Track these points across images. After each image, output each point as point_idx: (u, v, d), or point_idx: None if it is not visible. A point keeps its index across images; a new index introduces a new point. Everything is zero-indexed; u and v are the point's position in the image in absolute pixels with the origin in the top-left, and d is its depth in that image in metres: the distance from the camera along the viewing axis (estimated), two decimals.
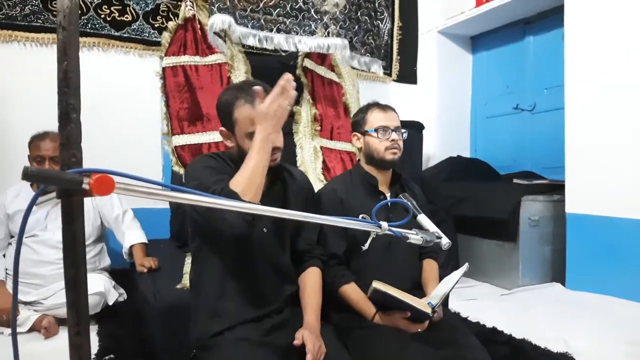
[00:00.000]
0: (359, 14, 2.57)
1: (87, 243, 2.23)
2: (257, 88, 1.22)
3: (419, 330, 1.40)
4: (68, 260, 0.67)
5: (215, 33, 2.18)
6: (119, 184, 0.66)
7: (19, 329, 1.95)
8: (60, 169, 0.65)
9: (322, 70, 2.76)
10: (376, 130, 1.59)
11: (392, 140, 1.58)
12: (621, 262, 2.57)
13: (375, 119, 1.62)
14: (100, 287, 2.07)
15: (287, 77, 1.19)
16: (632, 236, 2.52)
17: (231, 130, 1.34)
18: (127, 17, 2.96)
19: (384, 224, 1.07)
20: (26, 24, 2.72)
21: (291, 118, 2.57)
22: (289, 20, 2.30)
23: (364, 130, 1.63)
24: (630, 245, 2.53)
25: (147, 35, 3.01)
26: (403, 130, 1.63)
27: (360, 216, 1.11)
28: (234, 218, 1.18)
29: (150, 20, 3.02)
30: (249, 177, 1.19)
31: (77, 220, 0.66)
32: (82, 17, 2.84)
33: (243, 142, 1.32)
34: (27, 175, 0.63)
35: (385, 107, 1.65)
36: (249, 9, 2.20)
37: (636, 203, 2.51)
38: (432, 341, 1.35)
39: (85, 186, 0.63)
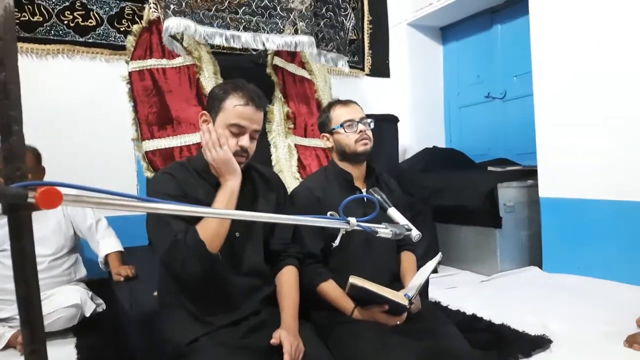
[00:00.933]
0: (324, 10, 2.56)
1: (60, 254, 2.19)
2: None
3: (398, 322, 1.40)
4: (18, 278, 0.65)
5: (171, 36, 2.14)
6: (67, 195, 0.65)
7: None
8: (4, 184, 0.63)
9: (292, 68, 2.75)
10: (342, 125, 1.60)
11: (360, 131, 1.59)
12: (595, 242, 2.63)
13: (339, 114, 1.62)
14: (77, 299, 2.03)
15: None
16: (604, 216, 2.58)
17: (213, 116, 1.34)
18: (91, 22, 2.90)
19: (353, 220, 1.06)
20: None
21: (264, 117, 2.55)
22: (255, 18, 2.28)
23: (331, 129, 1.63)
24: (603, 225, 2.59)
25: (112, 39, 2.95)
26: (369, 120, 1.64)
27: (329, 213, 1.11)
28: (194, 267, 1.23)
29: (115, 24, 2.96)
30: (216, 229, 1.23)
31: (25, 236, 0.64)
32: (45, 24, 2.77)
33: (220, 133, 1.31)
34: None
35: (346, 102, 1.66)
36: (213, 8, 2.17)
37: (606, 184, 2.57)
38: (412, 333, 1.36)
39: (31, 200, 0.61)
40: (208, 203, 1.27)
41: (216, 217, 1.19)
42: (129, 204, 0.73)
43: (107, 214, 2.34)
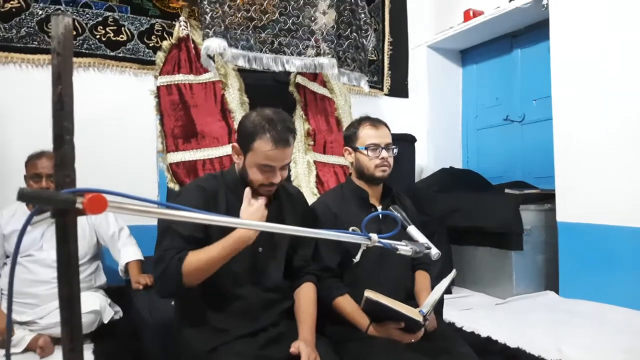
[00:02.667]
0: (348, 31, 2.63)
1: (83, 261, 2.24)
2: (247, 190, 1.33)
3: (413, 340, 1.41)
4: (62, 279, 0.69)
5: (208, 55, 2.23)
6: (111, 202, 0.69)
7: (13, 350, 1.94)
8: (55, 189, 0.68)
9: (314, 86, 2.81)
10: (367, 148, 1.60)
11: (382, 158, 1.59)
12: (613, 269, 2.60)
13: (366, 135, 1.62)
14: (96, 305, 2.07)
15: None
16: (623, 243, 2.55)
17: (244, 153, 1.36)
18: (122, 37, 3.01)
19: (374, 236, 1.09)
20: (22, 45, 2.76)
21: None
22: (279, 39, 2.35)
23: (355, 147, 1.64)
24: (621, 252, 2.56)
25: (142, 54, 3.05)
26: (394, 147, 1.64)
27: (351, 228, 1.14)
28: (164, 289, 1.30)
29: (145, 39, 3.07)
30: (203, 266, 1.26)
31: (71, 239, 0.69)
32: (78, 38, 2.89)
33: (249, 169, 1.35)
34: (22, 196, 0.66)
35: (376, 123, 1.65)
36: (239, 30, 2.25)
37: (626, 210, 2.54)
38: (426, 351, 1.37)
39: (79, 205, 0.66)
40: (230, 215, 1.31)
41: (241, 227, 1.22)
42: (167, 212, 0.77)
43: (129, 223, 2.40)
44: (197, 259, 1.25)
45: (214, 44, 2.15)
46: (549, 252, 3.00)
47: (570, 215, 2.82)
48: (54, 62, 0.70)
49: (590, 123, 2.73)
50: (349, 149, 1.68)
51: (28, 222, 0.70)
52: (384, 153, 1.60)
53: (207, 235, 1.31)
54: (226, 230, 1.30)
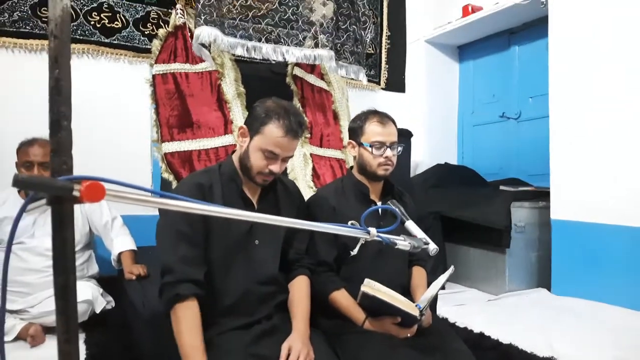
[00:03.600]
0: (347, 23, 2.61)
1: (75, 250, 2.21)
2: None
3: (408, 335, 1.41)
4: (58, 267, 0.67)
5: (200, 43, 2.20)
6: (109, 191, 0.67)
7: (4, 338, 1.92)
8: (51, 176, 0.66)
9: (311, 79, 2.79)
10: (372, 145, 1.56)
11: (386, 157, 1.56)
12: (605, 267, 2.62)
13: (372, 132, 1.58)
14: (88, 294, 2.05)
15: None
16: (616, 242, 2.57)
17: (251, 135, 1.35)
18: (117, 24, 2.96)
19: (373, 230, 1.08)
20: (15, 30, 2.71)
21: None
22: (278, 30, 2.33)
23: (360, 141, 1.60)
24: (614, 250, 2.58)
25: (137, 42, 3.01)
26: (399, 146, 1.60)
27: (350, 222, 1.13)
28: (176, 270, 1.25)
29: (141, 27, 3.02)
30: (175, 334, 1.24)
31: (67, 227, 0.67)
32: (72, 24, 2.84)
33: (254, 152, 1.34)
34: (17, 182, 0.64)
35: (384, 120, 1.60)
36: (238, 19, 2.22)
37: (619, 210, 2.56)
38: (422, 347, 1.37)
39: (76, 193, 0.64)
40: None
41: (241, 218, 1.21)
42: (165, 202, 0.75)
43: (122, 213, 2.37)
44: (175, 322, 1.24)
45: (205, 33, 2.11)
46: (542, 250, 3.02)
47: (564, 213, 2.83)
48: (50, 46, 0.68)
49: (586, 122, 2.74)
50: (353, 142, 1.64)
51: (23, 209, 0.68)
52: (389, 152, 1.56)
53: (206, 234, 1.31)
54: (225, 228, 1.31)
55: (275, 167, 1.34)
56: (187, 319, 1.23)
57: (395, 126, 1.63)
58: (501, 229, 2.85)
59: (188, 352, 1.20)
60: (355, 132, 1.63)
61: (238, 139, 1.40)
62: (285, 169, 2.46)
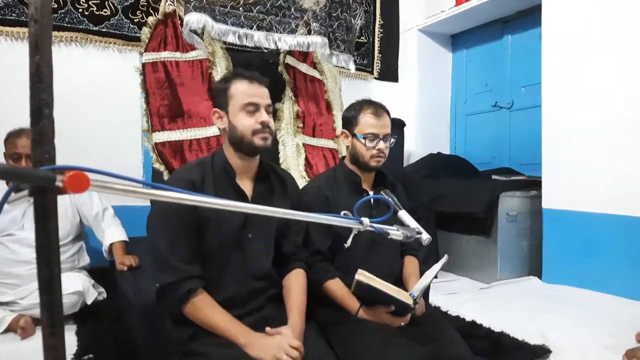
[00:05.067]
0: (339, 11, 2.58)
1: (65, 241, 2.19)
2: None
3: (402, 324, 1.41)
4: (42, 260, 0.66)
5: (191, 30, 2.16)
6: (94, 181, 0.65)
7: None
8: (33, 166, 0.64)
9: (304, 68, 2.76)
10: (365, 137, 1.55)
11: (379, 149, 1.56)
12: (596, 256, 2.64)
13: (366, 123, 1.57)
14: (79, 286, 2.04)
15: None
16: (607, 231, 2.59)
17: (225, 108, 1.36)
18: (105, 12, 2.91)
19: (366, 220, 1.07)
20: (0, 17, 2.65)
21: (273, 115, 2.56)
22: (270, 17, 2.29)
23: (353, 132, 1.59)
24: (605, 239, 2.60)
25: (126, 30, 2.95)
26: (392, 138, 1.60)
27: (343, 213, 1.12)
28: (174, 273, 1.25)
29: (130, 15, 2.97)
30: (200, 321, 1.25)
31: (50, 218, 0.65)
32: (59, 11, 2.78)
33: (235, 118, 1.34)
34: None
35: (378, 111, 1.59)
36: (229, 6, 2.18)
37: (610, 199, 2.58)
38: (415, 336, 1.37)
39: (59, 184, 0.62)
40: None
41: (231, 209, 1.19)
42: (153, 192, 0.74)
43: (113, 203, 2.35)
44: (198, 312, 1.25)
45: (194, 19, 2.08)
46: (533, 238, 3.04)
47: (556, 202, 2.85)
48: (31, 30, 0.66)
49: (578, 111, 2.74)
50: (347, 132, 1.63)
51: (5, 199, 0.66)
52: (381, 144, 1.56)
53: (201, 229, 1.30)
54: (219, 221, 1.29)
55: (264, 117, 1.34)
56: (208, 303, 1.26)
57: (390, 117, 1.62)
58: (488, 218, 2.86)
59: (226, 326, 1.23)
60: (349, 122, 1.62)
61: (218, 124, 1.39)
62: (278, 158, 2.47)
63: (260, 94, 1.36)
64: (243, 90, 1.34)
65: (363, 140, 1.56)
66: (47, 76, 0.65)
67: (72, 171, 0.63)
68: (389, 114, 1.62)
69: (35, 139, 0.65)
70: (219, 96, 1.38)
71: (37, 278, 0.67)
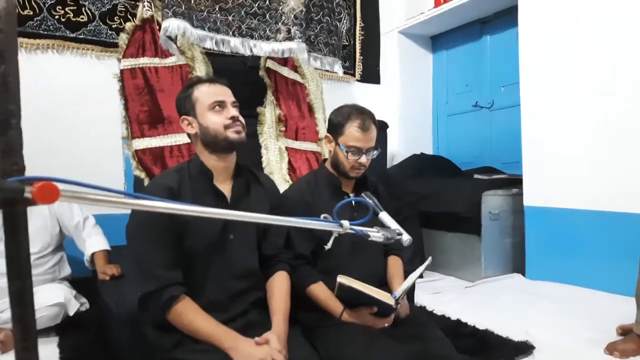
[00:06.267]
0: (320, 14, 2.58)
1: (46, 252, 2.15)
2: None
3: (386, 325, 1.42)
4: (13, 272, 0.64)
5: (167, 36, 2.15)
6: (64, 191, 0.64)
7: None
8: (1, 178, 0.63)
9: (285, 71, 2.76)
10: (348, 150, 1.54)
11: (360, 162, 1.55)
12: (578, 251, 2.69)
13: (351, 136, 1.54)
14: (60, 297, 2.00)
15: None
16: (587, 226, 2.64)
17: (193, 114, 1.36)
18: (82, 18, 2.87)
19: (345, 223, 1.07)
20: None
21: (255, 119, 2.56)
22: (246, 22, 2.28)
23: (337, 141, 1.58)
24: (586, 235, 2.65)
25: (104, 36, 2.92)
26: (374, 152, 1.58)
27: (322, 216, 1.12)
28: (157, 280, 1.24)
29: (108, 21, 2.94)
30: (184, 327, 1.24)
31: (21, 230, 0.64)
32: (35, 18, 2.74)
33: (205, 119, 1.34)
34: None
35: (365, 124, 1.55)
36: (206, 11, 2.17)
37: (590, 195, 2.62)
38: (399, 336, 1.37)
39: (28, 195, 0.61)
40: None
41: (212, 217, 1.19)
42: (127, 201, 0.73)
43: (94, 212, 2.31)
44: (181, 318, 1.24)
45: (173, 25, 2.07)
46: (516, 236, 3.08)
47: (537, 199, 2.89)
48: None
49: (556, 110, 2.79)
50: (330, 137, 1.62)
51: None
52: (363, 158, 1.55)
53: (181, 234, 1.29)
54: (199, 225, 1.28)
55: (232, 111, 1.36)
56: (191, 308, 1.25)
57: (376, 127, 1.60)
58: (471, 217, 2.90)
59: (210, 331, 1.22)
60: (335, 128, 1.59)
61: (188, 130, 1.40)
62: (261, 162, 2.46)
63: (223, 92, 1.38)
64: (206, 92, 1.36)
65: (345, 153, 1.56)
66: (13, 86, 0.64)
67: (41, 182, 0.62)
68: (376, 124, 1.60)
69: (3, 150, 0.63)
70: (183, 104, 1.39)
71: (34, 284, 0.65)
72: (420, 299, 2.41)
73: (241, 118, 1.38)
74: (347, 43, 3.96)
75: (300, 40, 2.37)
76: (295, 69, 2.81)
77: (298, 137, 2.68)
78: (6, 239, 0.64)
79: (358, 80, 4.06)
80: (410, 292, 1.80)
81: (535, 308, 2.33)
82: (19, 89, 0.65)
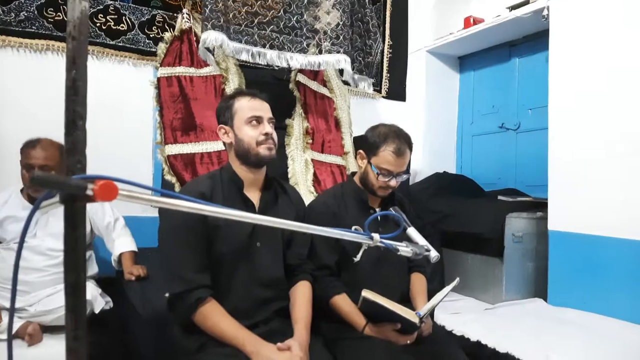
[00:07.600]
0: (351, 33, 2.64)
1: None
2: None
3: (408, 342, 1.42)
4: (69, 264, 0.68)
5: (206, 48, 2.23)
6: (121, 190, 0.69)
7: (0, 336, 1.92)
8: (65, 175, 0.67)
9: (314, 85, 2.81)
10: (379, 172, 1.56)
11: (389, 184, 1.58)
12: (602, 279, 2.63)
13: (384, 159, 1.56)
14: (87, 294, 2.05)
15: None
16: (613, 254, 2.59)
17: (230, 124, 1.42)
18: (122, 27, 2.98)
19: (376, 236, 1.10)
20: (20, 29, 2.73)
21: (283, 130, 2.61)
22: (282, 37, 2.35)
23: (370, 160, 1.60)
24: (611, 262, 2.59)
25: (142, 45, 3.03)
26: (405, 176, 1.61)
27: (353, 228, 1.14)
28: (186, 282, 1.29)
29: (146, 30, 3.04)
30: (208, 329, 1.29)
31: (79, 225, 0.68)
32: None
33: (241, 131, 1.40)
34: (34, 179, 0.65)
35: (401, 149, 1.56)
36: (243, 25, 2.25)
37: (617, 222, 2.58)
38: (421, 354, 1.38)
39: (89, 192, 0.65)
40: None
41: (243, 219, 1.22)
42: (178, 204, 0.77)
43: (124, 214, 2.38)
44: (207, 320, 1.29)
45: (211, 37, 2.16)
46: (539, 260, 3.03)
47: (562, 224, 2.85)
48: (68, 47, 0.70)
49: (585, 134, 2.76)
50: (363, 154, 1.64)
51: (37, 207, 0.70)
52: (393, 182, 1.58)
53: (210, 239, 1.33)
54: (228, 231, 1.33)
55: (267, 128, 1.41)
56: (217, 311, 1.29)
57: (410, 151, 1.61)
58: (494, 239, 2.87)
59: (234, 334, 1.26)
60: (370, 147, 1.61)
61: (224, 139, 1.46)
62: (287, 173, 2.51)
63: (262, 107, 1.44)
64: (246, 105, 1.42)
65: (376, 174, 1.57)
66: (82, 90, 0.69)
67: (102, 180, 0.66)
68: (411, 148, 1.62)
69: (68, 148, 0.68)
70: (223, 113, 1.45)
71: (52, 284, 0.69)
72: (439, 319, 2.39)
73: (274, 135, 1.43)
74: (374, 60, 4.01)
75: (335, 52, 2.43)
76: (324, 83, 2.86)
77: (324, 150, 2.72)
78: (65, 232, 0.68)
79: (384, 97, 4.09)
80: (431, 311, 1.80)
81: (556, 334, 2.29)
82: (86, 93, 0.70)
